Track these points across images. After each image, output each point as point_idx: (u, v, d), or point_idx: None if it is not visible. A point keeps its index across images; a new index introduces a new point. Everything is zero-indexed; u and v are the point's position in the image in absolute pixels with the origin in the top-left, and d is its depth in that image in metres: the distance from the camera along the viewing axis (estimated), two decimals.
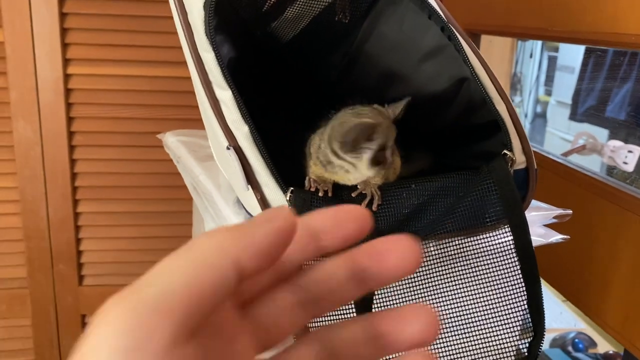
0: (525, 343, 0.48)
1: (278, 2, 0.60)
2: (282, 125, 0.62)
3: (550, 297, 1.53)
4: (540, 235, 0.65)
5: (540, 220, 0.65)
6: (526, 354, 0.48)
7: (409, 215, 0.53)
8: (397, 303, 0.55)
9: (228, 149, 0.48)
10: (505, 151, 0.53)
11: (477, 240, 0.54)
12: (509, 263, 0.51)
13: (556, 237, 0.65)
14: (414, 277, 0.56)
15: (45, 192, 1.41)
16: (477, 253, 0.54)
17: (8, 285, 1.45)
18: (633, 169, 1.21)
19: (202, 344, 0.21)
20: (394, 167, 0.55)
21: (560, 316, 1.73)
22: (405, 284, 0.56)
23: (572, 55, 2.76)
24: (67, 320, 1.50)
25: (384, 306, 0.55)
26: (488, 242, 0.53)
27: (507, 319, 0.50)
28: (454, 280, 0.54)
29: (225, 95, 0.48)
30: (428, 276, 0.55)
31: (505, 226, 0.51)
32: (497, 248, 0.52)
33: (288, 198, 0.48)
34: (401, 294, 0.55)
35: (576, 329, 1.64)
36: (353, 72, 0.66)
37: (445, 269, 0.55)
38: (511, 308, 0.50)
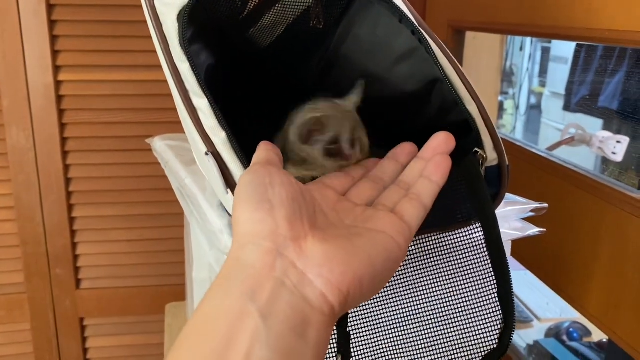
0: (496, 334, 0.50)
1: (254, 10, 0.61)
2: (262, 129, 0.64)
3: (544, 287, 1.55)
4: (517, 229, 0.67)
5: (517, 214, 0.67)
6: (497, 344, 0.50)
7: None
8: (377, 297, 0.56)
9: (207, 154, 0.50)
10: (476, 149, 0.54)
11: (449, 236, 0.55)
12: (480, 257, 0.52)
13: (533, 230, 0.66)
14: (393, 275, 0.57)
15: (40, 197, 1.42)
16: (450, 249, 0.55)
17: (6, 291, 1.47)
18: (622, 159, 1.23)
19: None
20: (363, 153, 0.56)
21: (548, 306, 1.75)
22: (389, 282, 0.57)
23: (565, 46, 2.77)
24: (66, 324, 1.52)
25: (368, 304, 0.56)
26: (460, 238, 0.54)
27: (479, 311, 0.51)
28: (428, 275, 0.55)
29: (201, 103, 0.49)
30: (404, 271, 0.57)
31: (477, 222, 0.53)
32: (468, 243, 0.54)
33: None
34: (384, 291, 0.57)
35: (570, 319, 1.66)
36: (331, 75, 0.67)
37: (418, 265, 0.56)
38: (483, 301, 0.51)
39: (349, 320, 0.52)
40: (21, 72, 1.34)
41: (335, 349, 0.50)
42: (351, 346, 0.52)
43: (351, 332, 0.52)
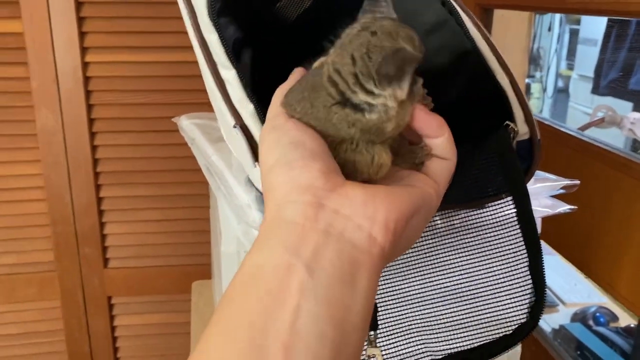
0: (527, 308, 0.50)
1: None
2: None
3: (570, 271, 1.53)
4: (547, 206, 0.66)
5: (548, 191, 0.66)
6: (529, 318, 0.49)
7: None
8: (405, 273, 0.56)
9: (234, 127, 0.50)
10: (507, 122, 0.54)
11: (481, 211, 0.55)
12: (511, 232, 0.52)
13: (564, 207, 0.65)
14: (420, 250, 0.57)
15: (69, 178, 1.45)
16: (480, 223, 0.55)
17: (37, 269, 1.50)
18: None
19: None
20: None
21: (574, 290, 1.73)
22: (413, 255, 0.57)
23: (595, 27, 2.70)
24: (94, 302, 1.55)
25: (393, 275, 0.56)
26: (490, 212, 0.54)
27: (510, 286, 0.51)
28: (458, 251, 0.55)
29: (229, 74, 0.49)
30: (434, 248, 0.56)
31: (508, 197, 0.52)
32: (499, 218, 0.53)
33: None
34: (408, 265, 0.57)
35: (597, 303, 1.64)
36: None
37: (450, 241, 0.56)
38: (514, 275, 0.51)
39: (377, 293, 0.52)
40: (49, 54, 1.35)
41: None
42: (378, 317, 0.52)
43: (378, 305, 0.52)
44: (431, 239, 0.58)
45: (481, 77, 0.57)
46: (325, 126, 0.39)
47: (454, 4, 0.54)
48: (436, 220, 0.58)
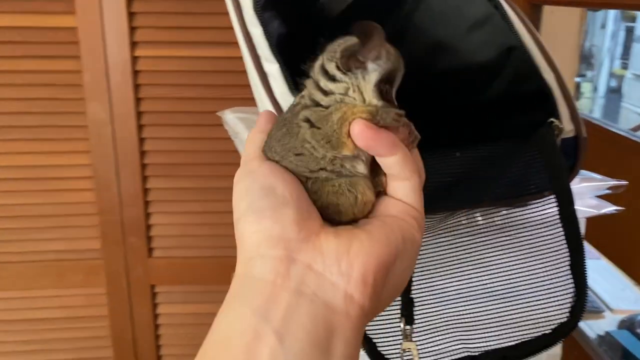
0: (568, 308, 0.49)
1: None
2: None
3: (618, 276, 1.48)
4: (592, 206, 0.64)
5: (593, 191, 0.64)
6: (569, 317, 0.48)
7: (453, 183, 0.54)
8: (445, 269, 0.56)
9: None
10: (552, 119, 0.53)
11: (523, 209, 0.54)
12: (553, 232, 0.51)
13: (609, 208, 0.64)
14: (461, 247, 0.57)
15: (117, 169, 1.49)
16: (523, 222, 0.54)
17: (84, 257, 1.55)
18: None
19: None
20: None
21: (621, 296, 1.68)
22: (453, 252, 0.57)
23: None
24: (138, 290, 1.59)
25: (433, 271, 0.56)
26: (532, 211, 0.53)
27: (550, 285, 0.50)
28: (500, 249, 0.54)
29: (273, 68, 0.50)
30: (475, 246, 0.56)
31: (551, 195, 0.51)
32: (542, 217, 0.52)
33: None
34: (448, 261, 0.56)
35: None
36: (402, 44, 0.66)
37: (492, 239, 0.55)
38: (555, 274, 0.50)
39: (412, 287, 0.52)
40: (100, 48, 1.40)
41: (399, 313, 0.50)
42: (415, 312, 0.52)
43: (415, 299, 0.52)
44: (472, 236, 0.57)
45: (526, 73, 0.56)
46: (301, 163, 0.38)
47: None
48: (478, 217, 0.58)
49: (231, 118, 0.91)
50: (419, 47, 0.63)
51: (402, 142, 0.37)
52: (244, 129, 0.83)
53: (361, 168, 0.38)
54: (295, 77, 0.52)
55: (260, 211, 0.33)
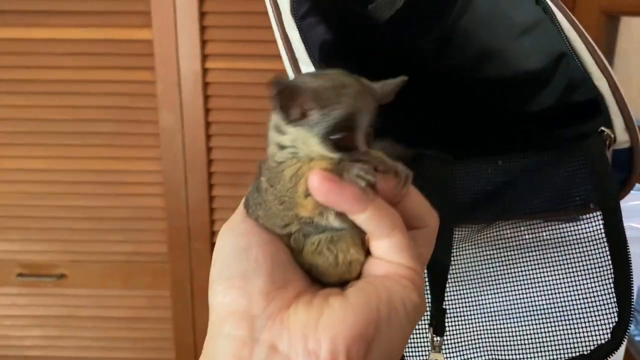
0: (609, 329, 0.45)
1: None
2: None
3: None
4: None
5: None
6: (610, 339, 0.45)
7: (494, 192, 0.52)
8: (482, 282, 0.54)
9: None
10: (603, 128, 0.50)
11: (568, 225, 0.51)
12: (598, 249, 0.48)
13: None
14: (502, 260, 0.54)
15: (185, 176, 1.55)
16: (568, 238, 0.51)
17: (152, 259, 1.62)
18: None
19: None
20: None
21: None
22: (493, 266, 0.54)
23: None
24: (202, 295, 1.63)
25: (469, 283, 0.54)
26: (579, 227, 0.50)
27: (592, 304, 0.47)
28: (542, 265, 0.52)
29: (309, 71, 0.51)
30: (517, 260, 0.54)
31: (597, 209, 0.48)
32: (588, 233, 0.49)
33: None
34: (486, 274, 0.54)
35: None
36: (448, 51, 0.65)
37: (535, 254, 0.53)
38: (597, 293, 0.47)
39: (446, 297, 0.51)
40: (174, 60, 1.46)
41: (428, 322, 0.49)
42: (446, 323, 0.50)
43: (448, 310, 0.50)
44: (514, 249, 0.55)
45: (577, 81, 0.54)
46: (268, 220, 0.36)
47: (549, 2, 0.51)
48: (523, 231, 0.55)
49: None
50: (465, 54, 0.62)
51: (387, 192, 0.33)
52: None
53: (336, 222, 0.34)
54: None
55: (229, 279, 0.32)
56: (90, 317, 1.66)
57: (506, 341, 0.49)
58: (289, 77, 0.36)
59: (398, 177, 0.34)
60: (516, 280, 0.52)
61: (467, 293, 0.52)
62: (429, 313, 0.49)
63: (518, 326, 0.51)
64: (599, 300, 0.47)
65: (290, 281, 0.33)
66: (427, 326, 0.48)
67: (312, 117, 0.34)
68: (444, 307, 0.50)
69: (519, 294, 0.52)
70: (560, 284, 0.50)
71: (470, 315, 0.52)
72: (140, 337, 1.67)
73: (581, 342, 0.47)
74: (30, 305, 1.65)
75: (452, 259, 0.51)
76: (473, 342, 0.50)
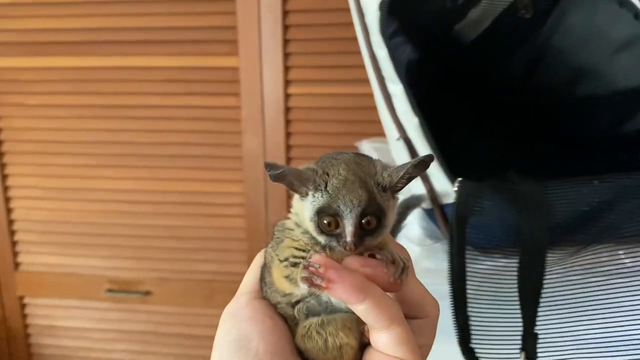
0: None
1: (462, 5, 0.61)
2: (468, 128, 0.63)
3: None
4: None
5: None
6: None
7: (589, 213, 0.50)
8: (580, 309, 0.51)
9: (397, 140, 0.51)
10: None
11: None
12: None
13: None
14: (598, 286, 0.52)
15: (266, 198, 1.58)
16: None
17: (233, 279, 1.65)
18: None
19: None
20: None
21: None
22: (592, 292, 0.52)
23: None
24: None
25: (566, 308, 0.52)
26: None
27: None
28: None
29: (396, 89, 0.51)
30: (618, 288, 0.51)
31: None
32: None
33: (456, 188, 0.49)
34: (585, 301, 0.52)
35: None
36: (538, 69, 0.64)
37: (632, 279, 0.50)
38: None
39: (537, 321, 0.48)
40: (258, 86, 1.51)
41: (520, 347, 0.47)
42: (537, 347, 0.48)
43: (540, 334, 0.48)
44: (613, 275, 0.52)
45: None
46: (267, 294, 0.37)
47: None
48: (622, 256, 0.53)
49: (367, 147, 0.93)
50: (557, 73, 0.60)
51: (384, 281, 0.33)
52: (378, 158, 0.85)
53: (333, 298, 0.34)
54: (419, 99, 0.53)
55: None
56: (173, 334, 1.71)
57: None
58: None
59: (395, 265, 0.34)
60: (616, 310, 0.49)
61: (561, 319, 0.50)
62: (520, 335, 0.47)
63: (613, 357, 0.48)
64: None
65: None
66: (518, 349, 0.47)
67: (308, 197, 0.35)
68: (535, 331, 0.48)
69: (616, 324, 0.49)
70: None
71: (565, 342, 0.49)
72: None
73: None
74: (117, 320, 1.73)
75: (543, 282, 0.49)
76: None
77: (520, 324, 0.48)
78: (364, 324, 0.33)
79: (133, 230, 1.65)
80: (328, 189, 0.34)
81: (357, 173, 0.35)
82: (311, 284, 0.32)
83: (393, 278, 0.33)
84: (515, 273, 0.48)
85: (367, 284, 0.32)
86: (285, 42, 1.48)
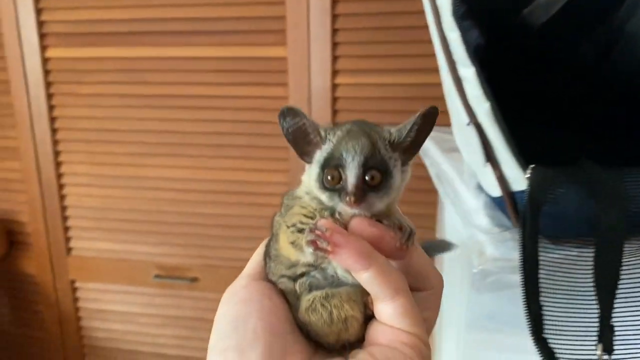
0: None
1: None
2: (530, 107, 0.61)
3: None
4: None
5: None
6: None
7: None
8: None
9: (468, 125, 0.50)
10: None
11: None
12: None
13: None
14: None
15: None
16: None
17: None
18: None
19: None
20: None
21: None
22: None
23: None
24: None
25: (636, 302, 0.50)
26: None
27: None
28: None
29: (468, 72, 0.50)
30: None
31: None
32: None
33: (528, 175, 0.48)
34: None
35: None
36: (612, 55, 0.61)
37: None
38: None
39: (614, 314, 0.47)
40: (305, 76, 1.51)
41: (597, 338, 0.45)
42: (614, 340, 0.46)
43: (617, 327, 0.47)
44: None
45: None
46: (270, 270, 0.38)
47: None
48: None
49: None
50: (633, 57, 0.58)
51: (390, 246, 0.32)
52: (433, 145, 0.84)
53: (339, 269, 0.34)
54: (490, 84, 0.51)
55: (224, 351, 0.32)
56: None
57: None
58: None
59: (402, 231, 0.33)
60: None
61: (635, 312, 0.48)
62: (596, 327, 0.45)
63: None
64: None
65: (290, 353, 0.32)
66: (594, 341, 0.45)
67: (316, 155, 0.36)
68: (612, 323, 0.46)
69: None
70: None
71: (639, 335, 0.47)
72: None
73: None
74: (164, 305, 1.76)
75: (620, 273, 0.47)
76: None
77: (595, 316, 0.47)
78: (368, 296, 0.33)
79: (181, 218, 1.68)
80: (333, 139, 0.36)
81: (362, 128, 0.37)
82: (316, 247, 0.32)
83: (399, 243, 0.33)
84: (589, 263, 0.46)
85: (372, 252, 0.32)
86: (334, 31, 1.47)
